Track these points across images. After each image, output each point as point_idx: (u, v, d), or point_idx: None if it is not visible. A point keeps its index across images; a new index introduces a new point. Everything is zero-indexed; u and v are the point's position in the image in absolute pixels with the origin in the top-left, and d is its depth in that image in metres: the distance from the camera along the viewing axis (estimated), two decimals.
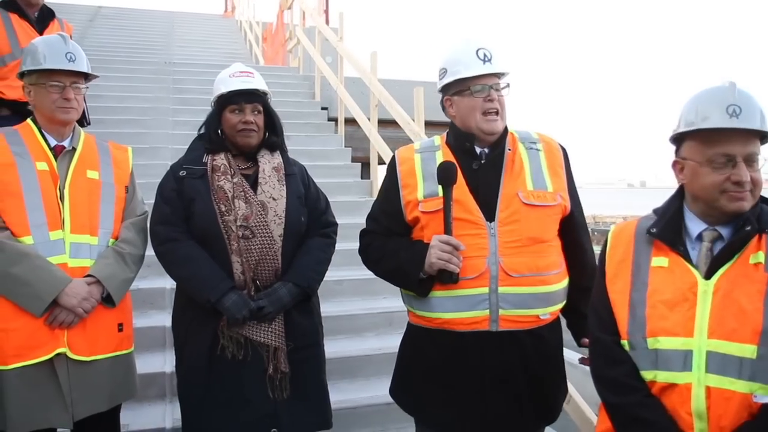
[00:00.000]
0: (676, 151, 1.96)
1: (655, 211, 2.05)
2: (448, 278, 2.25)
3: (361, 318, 4.66)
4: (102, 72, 8.03)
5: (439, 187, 2.31)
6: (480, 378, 2.30)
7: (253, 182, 2.79)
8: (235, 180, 2.74)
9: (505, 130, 2.44)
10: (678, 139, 1.94)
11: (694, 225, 1.92)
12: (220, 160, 2.77)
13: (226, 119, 2.80)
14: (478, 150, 2.39)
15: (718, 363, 1.75)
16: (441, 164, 2.31)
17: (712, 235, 1.89)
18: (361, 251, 2.60)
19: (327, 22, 11.57)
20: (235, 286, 2.65)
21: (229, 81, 2.82)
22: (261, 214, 2.71)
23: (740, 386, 1.72)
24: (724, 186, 1.81)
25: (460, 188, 2.30)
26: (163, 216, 2.71)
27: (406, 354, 2.57)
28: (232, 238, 2.66)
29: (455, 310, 2.29)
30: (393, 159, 2.52)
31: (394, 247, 2.43)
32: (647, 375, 1.86)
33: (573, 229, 2.46)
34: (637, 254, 1.98)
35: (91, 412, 2.53)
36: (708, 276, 1.84)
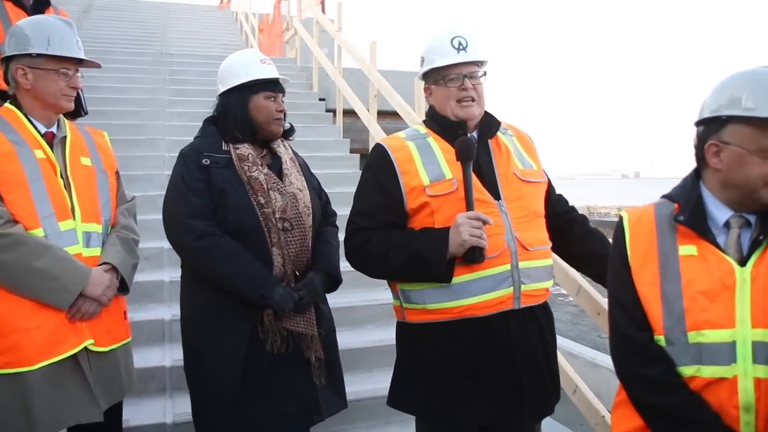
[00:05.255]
0: (712, 134, 1.82)
1: (669, 197, 1.96)
2: (479, 256, 2.20)
3: (361, 310, 4.64)
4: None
5: (445, 169, 2.32)
6: (511, 359, 2.28)
7: (277, 173, 2.77)
8: (265, 171, 2.71)
9: (489, 116, 2.48)
10: (716, 122, 1.82)
11: (719, 212, 1.85)
12: (245, 149, 2.72)
13: (260, 106, 2.75)
14: (469, 136, 2.40)
15: (764, 352, 1.70)
16: (459, 140, 2.29)
17: (740, 221, 1.83)
18: (355, 249, 2.42)
19: (323, 12, 11.51)
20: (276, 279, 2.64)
21: (261, 67, 2.78)
22: (295, 206, 2.71)
23: None
24: None
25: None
26: (196, 209, 2.59)
27: (411, 357, 2.44)
28: (273, 231, 2.64)
29: (480, 293, 2.25)
30: (381, 149, 2.43)
31: (403, 238, 2.32)
32: (687, 371, 1.77)
33: (553, 203, 2.57)
34: (661, 243, 1.88)
35: (112, 402, 2.51)
36: (742, 263, 1.78)
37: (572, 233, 2.59)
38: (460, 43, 2.38)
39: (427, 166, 2.34)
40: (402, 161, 2.36)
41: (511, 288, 2.27)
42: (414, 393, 2.41)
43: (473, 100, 2.39)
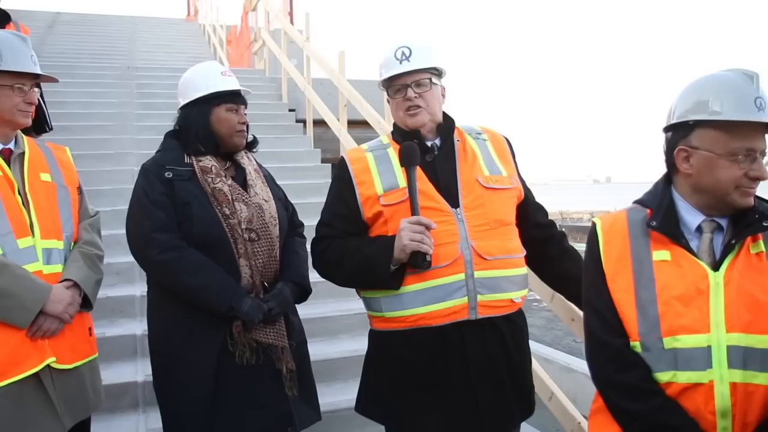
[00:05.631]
0: (681, 139, 1.83)
1: (641, 202, 1.97)
2: (421, 261, 2.19)
3: (336, 320, 4.62)
4: (64, 78, 8.00)
5: (399, 178, 2.32)
6: (466, 371, 2.26)
7: (242, 184, 2.74)
8: (229, 182, 2.68)
9: (451, 121, 2.49)
10: (684, 127, 1.82)
11: (691, 216, 1.86)
12: (208, 161, 2.69)
13: (221, 119, 2.72)
14: (429, 143, 2.42)
15: (739, 357, 1.69)
16: (403, 145, 2.32)
17: (711, 226, 1.84)
18: (317, 258, 2.50)
19: (292, 23, 11.51)
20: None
21: (222, 79, 2.75)
22: (261, 216, 2.68)
23: (764, 379, 1.67)
24: (741, 181, 1.76)
25: (420, 179, 2.30)
26: (160, 222, 2.56)
27: (374, 364, 2.47)
28: (239, 242, 2.61)
29: (432, 303, 2.24)
30: (342, 162, 2.49)
31: (355, 245, 2.36)
32: (663, 377, 1.76)
33: (531, 212, 2.53)
34: (635, 249, 1.88)
35: (77, 420, 2.45)
36: (715, 268, 1.78)
37: (549, 251, 2.55)
38: (403, 53, 2.39)
39: (382, 176, 2.37)
40: (358, 172, 2.40)
41: (466, 298, 2.23)
42: (377, 400, 2.43)
43: (420, 107, 2.38)
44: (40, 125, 4.39)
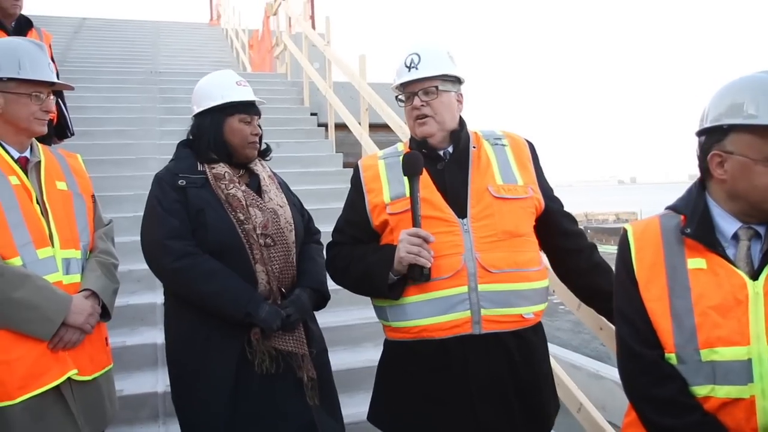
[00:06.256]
0: (714, 143, 1.75)
1: (674, 208, 1.89)
2: (419, 274, 2.15)
3: (359, 328, 4.55)
4: (88, 83, 8.09)
5: (406, 187, 2.27)
6: (467, 388, 2.19)
7: (256, 190, 2.72)
8: (243, 188, 2.66)
9: (464, 128, 2.43)
10: (718, 131, 1.75)
11: (726, 223, 1.78)
12: (221, 168, 2.67)
13: (234, 129, 2.70)
14: (441, 151, 2.37)
15: None
16: (405, 155, 2.29)
17: (749, 233, 1.76)
18: (328, 264, 2.52)
19: (313, 27, 11.51)
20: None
21: (237, 89, 2.74)
22: (276, 221, 2.66)
23: None
24: None
25: (427, 188, 2.26)
26: (174, 230, 2.54)
27: (384, 374, 2.45)
28: (255, 248, 2.58)
29: (433, 315, 2.19)
30: (356, 168, 2.49)
31: (362, 252, 2.35)
32: (700, 390, 1.69)
33: (557, 220, 2.43)
34: (669, 256, 1.80)
35: None
36: (754, 277, 1.70)
37: (577, 264, 2.44)
38: (412, 61, 2.36)
39: (391, 184, 2.35)
40: (369, 180, 2.40)
41: (468, 311, 2.17)
42: (385, 410, 2.41)
43: (427, 117, 2.33)
44: (61, 131, 4.41)
